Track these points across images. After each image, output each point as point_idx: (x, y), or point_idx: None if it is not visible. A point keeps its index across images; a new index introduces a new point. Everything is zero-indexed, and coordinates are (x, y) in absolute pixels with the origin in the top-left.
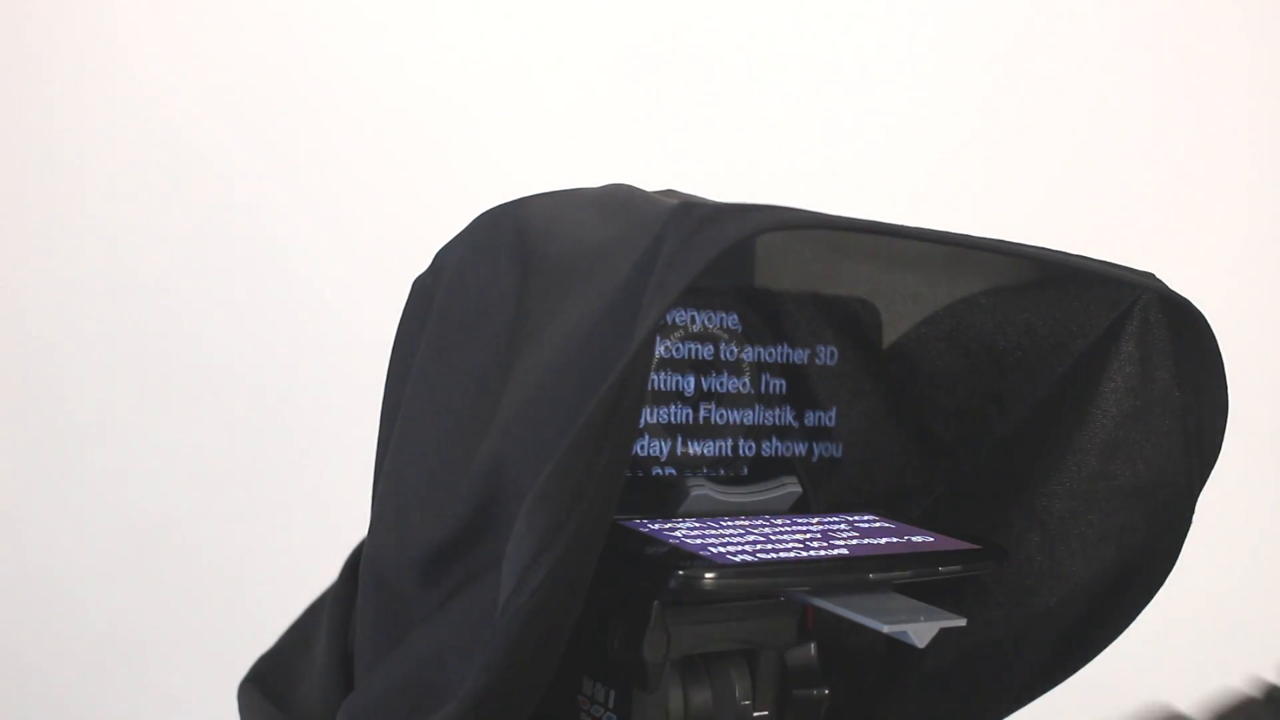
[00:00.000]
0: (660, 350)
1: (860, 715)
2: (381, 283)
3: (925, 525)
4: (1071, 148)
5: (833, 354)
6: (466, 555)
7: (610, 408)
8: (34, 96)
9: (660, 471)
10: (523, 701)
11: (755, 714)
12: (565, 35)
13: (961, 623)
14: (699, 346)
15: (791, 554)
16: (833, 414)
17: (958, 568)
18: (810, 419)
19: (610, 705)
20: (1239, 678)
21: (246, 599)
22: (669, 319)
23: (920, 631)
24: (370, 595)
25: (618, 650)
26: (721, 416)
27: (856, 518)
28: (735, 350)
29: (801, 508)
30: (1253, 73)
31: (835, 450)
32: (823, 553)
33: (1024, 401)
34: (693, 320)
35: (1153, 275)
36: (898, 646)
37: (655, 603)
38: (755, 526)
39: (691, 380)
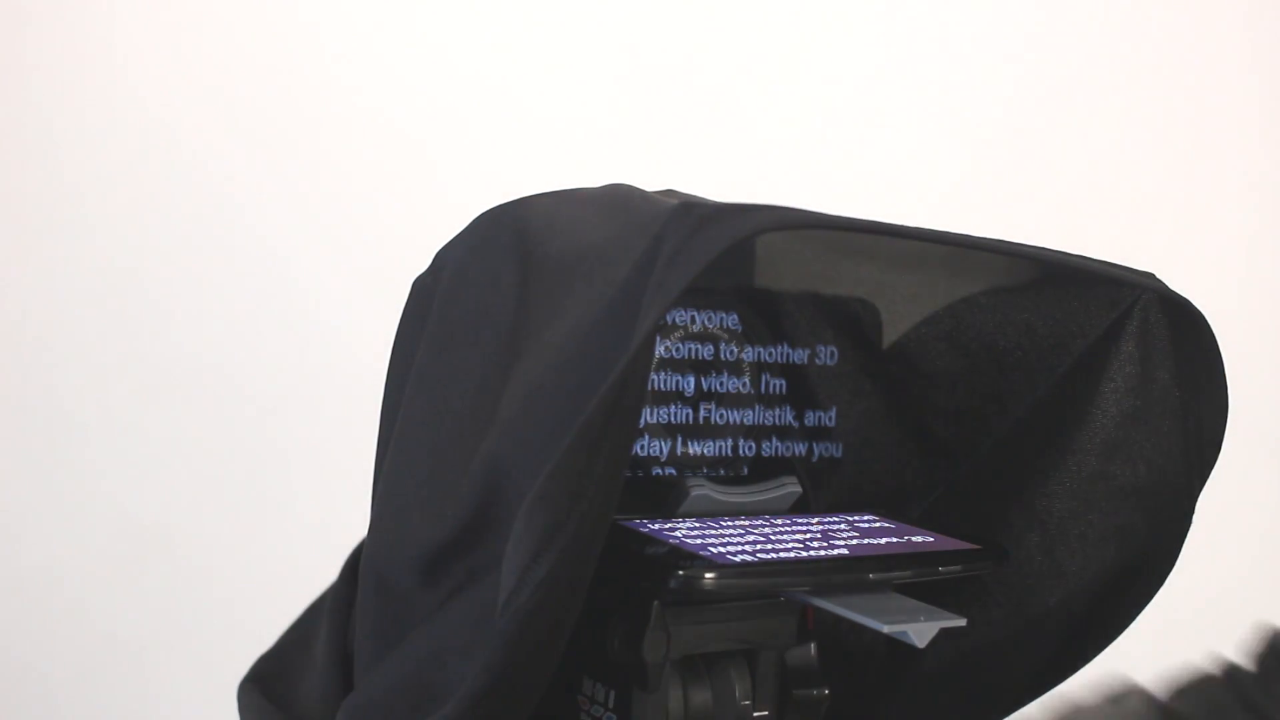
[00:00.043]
0: (660, 350)
1: (860, 715)
2: (381, 283)
3: (925, 525)
4: (1072, 147)
5: (833, 354)
6: (466, 555)
7: (610, 407)
8: (33, 97)
9: (660, 471)
10: (522, 701)
11: (755, 714)
12: (565, 35)
13: (962, 623)
14: (699, 346)
15: (791, 554)
16: (833, 414)
17: (958, 568)
18: (810, 419)
19: (610, 705)
20: (1201, 655)
21: (245, 599)
22: (669, 319)
23: (920, 631)
24: (370, 595)
25: (618, 650)
26: (721, 416)
27: (856, 518)
28: (735, 350)
29: (801, 508)
30: (1254, 72)
31: (835, 450)
32: (823, 553)
33: (1024, 401)
34: (693, 320)
35: (1153, 275)
36: (897, 646)
37: (655, 603)
38: (755, 526)
39: (691, 380)
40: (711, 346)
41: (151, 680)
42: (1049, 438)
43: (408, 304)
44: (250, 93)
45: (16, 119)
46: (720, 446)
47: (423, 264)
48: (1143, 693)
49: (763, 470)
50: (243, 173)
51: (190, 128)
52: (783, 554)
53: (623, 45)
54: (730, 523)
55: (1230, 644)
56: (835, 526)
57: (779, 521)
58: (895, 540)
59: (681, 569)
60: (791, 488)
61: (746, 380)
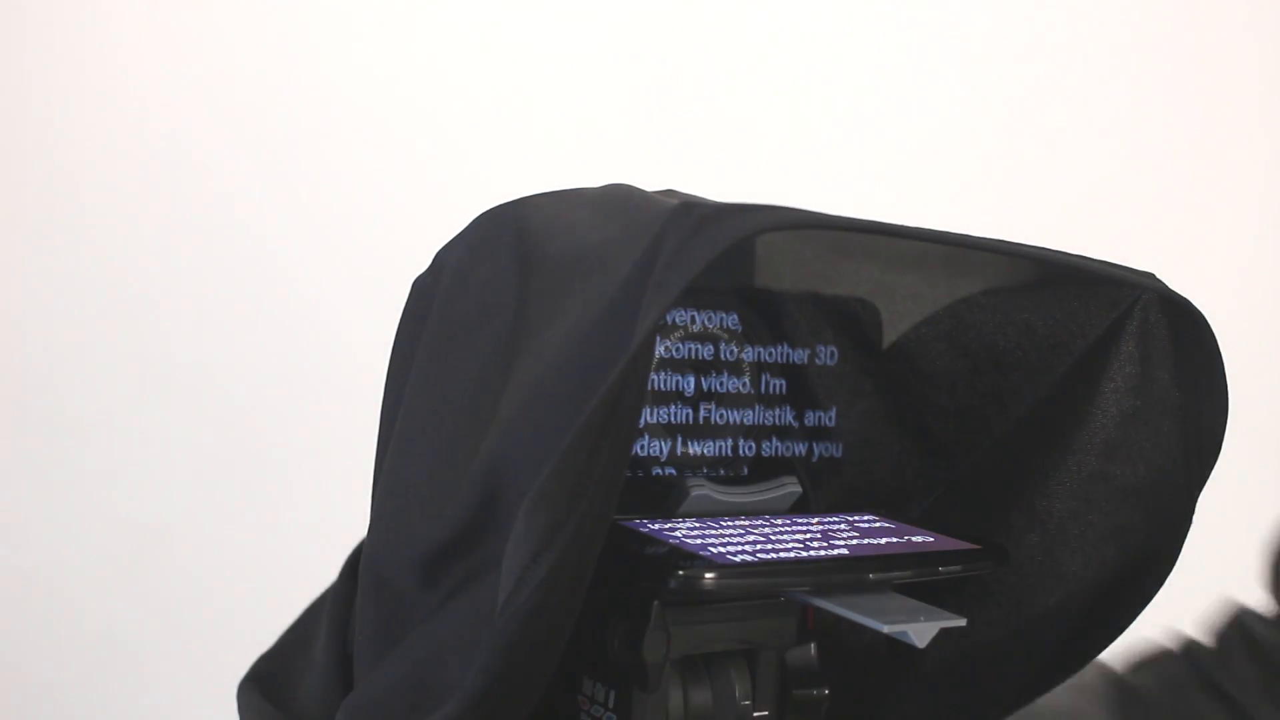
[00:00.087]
0: (660, 350)
1: (860, 715)
2: (380, 283)
3: (925, 525)
4: (1073, 147)
5: (833, 354)
6: (466, 555)
7: (610, 407)
8: (34, 99)
9: (660, 471)
10: (522, 701)
11: (755, 714)
12: (565, 35)
13: (962, 622)
14: (699, 346)
15: (792, 554)
16: (832, 414)
17: (958, 568)
18: (810, 419)
19: (610, 705)
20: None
21: (243, 601)
22: (669, 319)
23: (920, 631)
24: (370, 595)
25: (618, 650)
26: (721, 416)
27: (856, 518)
28: (735, 350)
29: (801, 508)
30: (1257, 72)
31: (835, 450)
32: (823, 553)
33: (1024, 401)
34: (693, 320)
35: (1153, 275)
36: (897, 646)
37: (655, 603)
38: (755, 526)
39: (691, 380)
40: (711, 346)
41: (150, 681)
42: (1049, 438)
43: (407, 304)
44: (250, 94)
45: (17, 121)
46: (720, 446)
47: (422, 264)
48: (1100, 667)
49: (763, 470)
50: (241, 174)
51: (189, 129)
52: (783, 554)
53: (623, 45)
54: (730, 523)
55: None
56: (835, 526)
57: (779, 521)
58: (895, 540)
59: (682, 569)
60: (791, 488)
61: (746, 380)
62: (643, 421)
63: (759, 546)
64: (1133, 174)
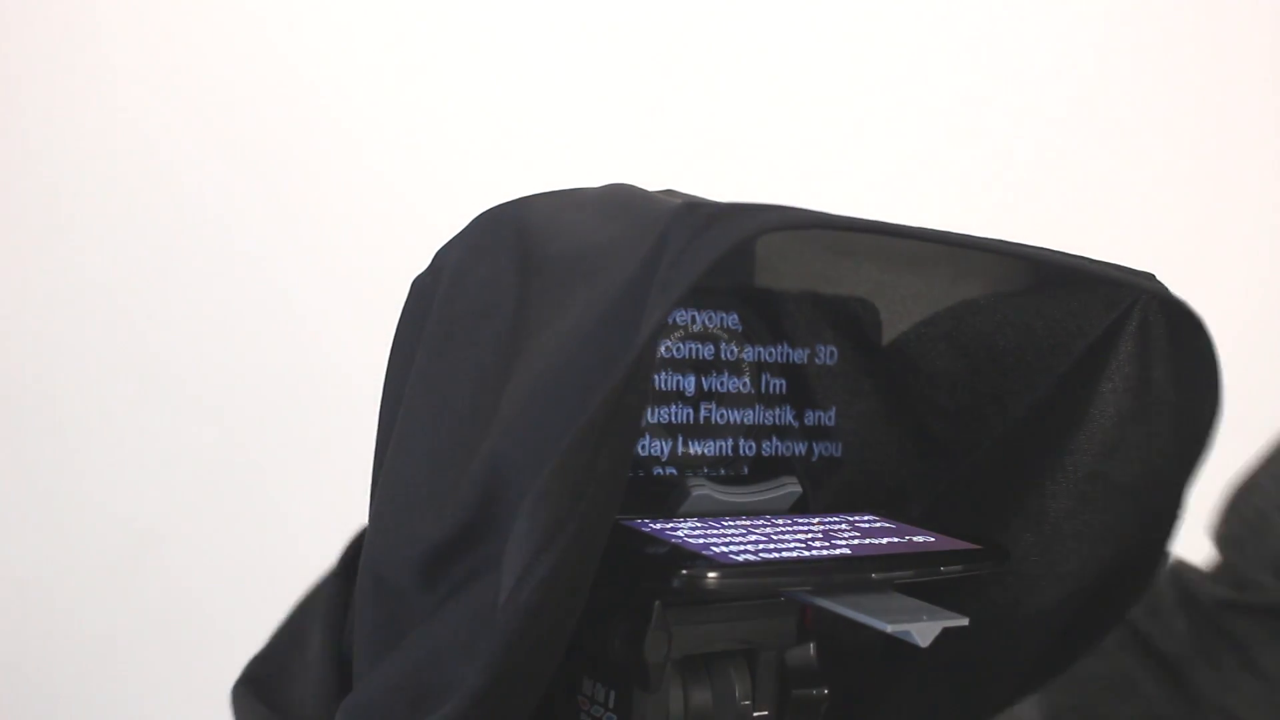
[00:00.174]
0: (661, 350)
1: (855, 714)
2: (380, 283)
3: (923, 525)
4: (1073, 147)
5: (832, 354)
6: (466, 555)
7: (614, 406)
8: (30, 100)
9: (661, 471)
10: (522, 701)
11: (755, 714)
12: (565, 35)
13: (964, 622)
14: (699, 346)
15: (794, 554)
16: (832, 414)
17: (959, 567)
18: (810, 418)
19: (610, 705)
20: None
21: (240, 603)
22: (670, 318)
23: (923, 631)
24: (369, 595)
25: (619, 650)
26: (722, 416)
27: (857, 518)
28: (735, 350)
29: (801, 508)
30: (1259, 72)
31: (835, 450)
32: (825, 552)
33: (1023, 402)
34: (693, 320)
35: (1152, 276)
36: (893, 646)
37: (657, 603)
38: (757, 526)
39: (692, 380)
40: (712, 346)
41: (147, 683)
42: (1047, 438)
43: (406, 304)
44: (248, 93)
45: (12, 122)
46: (721, 446)
47: (422, 264)
48: None
49: (763, 470)
50: (239, 173)
51: (186, 129)
52: (785, 554)
53: (623, 44)
54: (731, 523)
55: None
56: (836, 526)
57: (780, 521)
58: (896, 540)
59: (685, 569)
60: (792, 488)
61: (747, 380)
62: (643, 421)
63: (761, 546)
64: (1134, 174)
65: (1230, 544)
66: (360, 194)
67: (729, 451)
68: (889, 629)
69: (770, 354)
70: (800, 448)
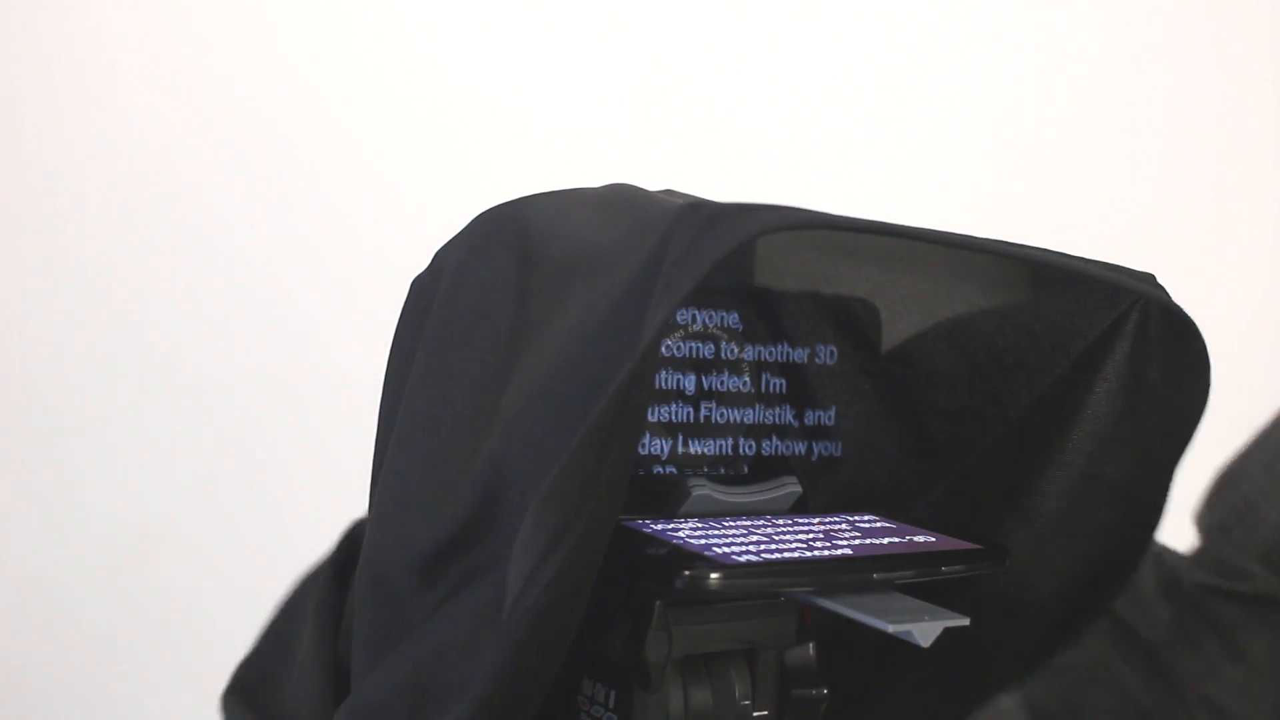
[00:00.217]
0: (661, 349)
1: (855, 713)
2: (379, 283)
3: (921, 524)
4: (1074, 147)
5: (832, 353)
6: (466, 554)
7: (619, 407)
8: (29, 100)
9: (661, 470)
10: (527, 702)
11: (755, 714)
12: (565, 34)
13: (965, 622)
14: (699, 345)
15: (795, 554)
16: (832, 413)
17: (960, 567)
18: (810, 418)
19: (610, 705)
20: None
21: (239, 603)
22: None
23: (925, 631)
24: (367, 595)
25: (619, 650)
26: (722, 415)
27: (858, 518)
28: (735, 349)
29: (800, 507)
30: (1260, 72)
31: (834, 449)
32: (826, 553)
33: (1022, 402)
34: (693, 319)
35: (1152, 278)
36: (890, 645)
37: (658, 603)
38: (758, 527)
39: (692, 379)
40: (712, 345)
41: (147, 683)
42: (1044, 437)
43: (406, 304)
44: (248, 93)
45: (11, 123)
46: (721, 445)
47: (421, 264)
48: None
49: (763, 469)
50: (238, 173)
51: (183, 129)
52: (786, 554)
53: (623, 45)
54: (732, 523)
55: None
56: (837, 526)
57: (781, 522)
58: (897, 540)
59: (687, 570)
60: (792, 488)
61: (747, 379)
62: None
63: (762, 547)
64: (1134, 174)
65: (1217, 531)
66: (360, 194)
67: (729, 450)
68: (891, 629)
69: (770, 353)
70: (800, 447)
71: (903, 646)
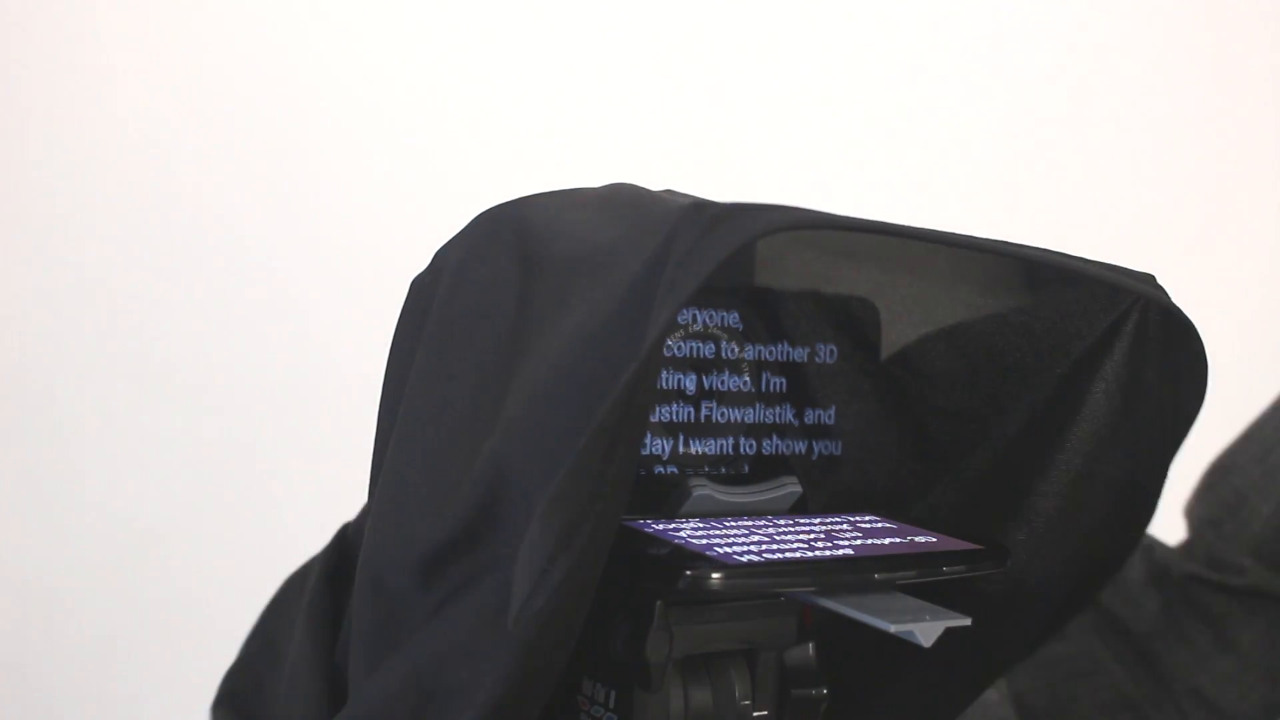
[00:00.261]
0: (662, 349)
1: (854, 712)
2: (379, 283)
3: (920, 523)
4: (1073, 147)
5: (832, 352)
6: (466, 555)
7: (624, 407)
8: (29, 101)
9: (662, 470)
10: (533, 705)
11: (755, 714)
12: (565, 34)
13: (966, 622)
14: (700, 345)
15: (797, 554)
16: (832, 412)
17: (961, 568)
18: (810, 417)
19: (611, 705)
20: None
21: (239, 603)
22: None
23: (926, 631)
24: (366, 597)
25: (620, 650)
26: (723, 415)
27: (859, 518)
28: (736, 349)
29: (801, 507)
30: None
31: (834, 448)
32: (827, 553)
33: (1021, 403)
34: (694, 318)
35: (1152, 278)
36: (889, 644)
37: (659, 603)
38: (759, 527)
39: (693, 379)
40: (713, 345)
41: (147, 683)
42: (1042, 437)
43: (406, 304)
44: (248, 92)
45: (11, 122)
46: (721, 445)
47: (421, 264)
48: None
49: (763, 468)
50: (238, 173)
51: (186, 129)
52: (788, 554)
53: (624, 44)
54: (733, 523)
55: None
56: (838, 527)
57: (782, 522)
58: (898, 540)
59: (689, 570)
60: (792, 488)
61: (747, 379)
62: None
63: (764, 547)
64: (1134, 174)
65: (1207, 524)
66: (360, 194)
67: (729, 450)
68: (892, 629)
69: (770, 353)
70: (800, 446)
71: (903, 646)
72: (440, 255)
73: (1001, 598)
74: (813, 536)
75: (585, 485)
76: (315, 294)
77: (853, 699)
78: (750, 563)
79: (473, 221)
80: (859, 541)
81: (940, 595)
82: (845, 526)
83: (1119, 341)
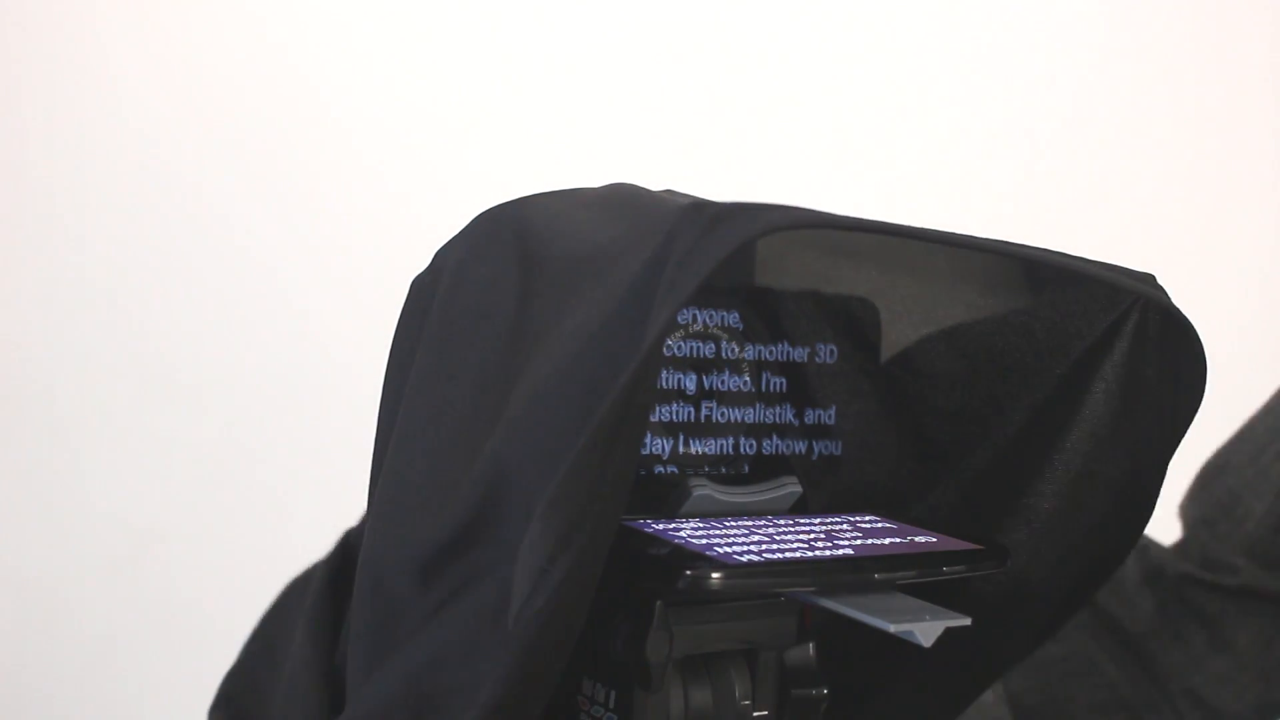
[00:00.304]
0: (662, 349)
1: (854, 712)
2: (379, 283)
3: (920, 523)
4: (1072, 147)
5: (832, 352)
6: (466, 556)
7: (624, 407)
8: (30, 101)
9: (662, 470)
10: (533, 706)
11: (755, 714)
12: (565, 34)
13: (966, 621)
14: (700, 345)
15: (797, 554)
16: (832, 412)
17: (962, 568)
18: (810, 417)
19: (611, 705)
20: None
21: (239, 603)
22: None
23: (926, 631)
24: (366, 598)
25: (620, 650)
26: (723, 415)
27: (859, 518)
28: (736, 349)
29: (801, 507)
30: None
31: (835, 448)
32: (827, 553)
33: (1021, 403)
34: (694, 318)
35: (1152, 278)
36: (889, 644)
37: (659, 603)
38: (759, 527)
39: (693, 378)
40: (713, 345)
41: (147, 683)
42: (1042, 437)
43: (406, 303)
44: (247, 93)
45: (11, 123)
46: (722, 445)
47: (421, 264)
48: None
49: (763, 468)
50: (239, 173)
51: (186, 129)
52: (788, 554)
53: (623, 45)
54: (734, 523)
55: None
56: (838, 527)
57: (782, 522)
58: (899, 540)
59: (689, 570)
60: (792, 488)
61: (747, 378)
62: None
63: (764, 547)
64: (1133, 174)
65: (1201, 524)
66: (361, 194)
67: (730, 450)
68: (892, 629)
69: (771, 352)
70: (800, 446)
71: (902, 646)
72: (440, 255)
73: (1001, 598)
74: (813, 536)
75: (585, 485)
76: (315, 294)
77: (853, 699)
78: (750, 563)
79: (473, 221)
80: (859, 541)
81: (940, 595)
82: (845, 526)
83: (1119, 341)
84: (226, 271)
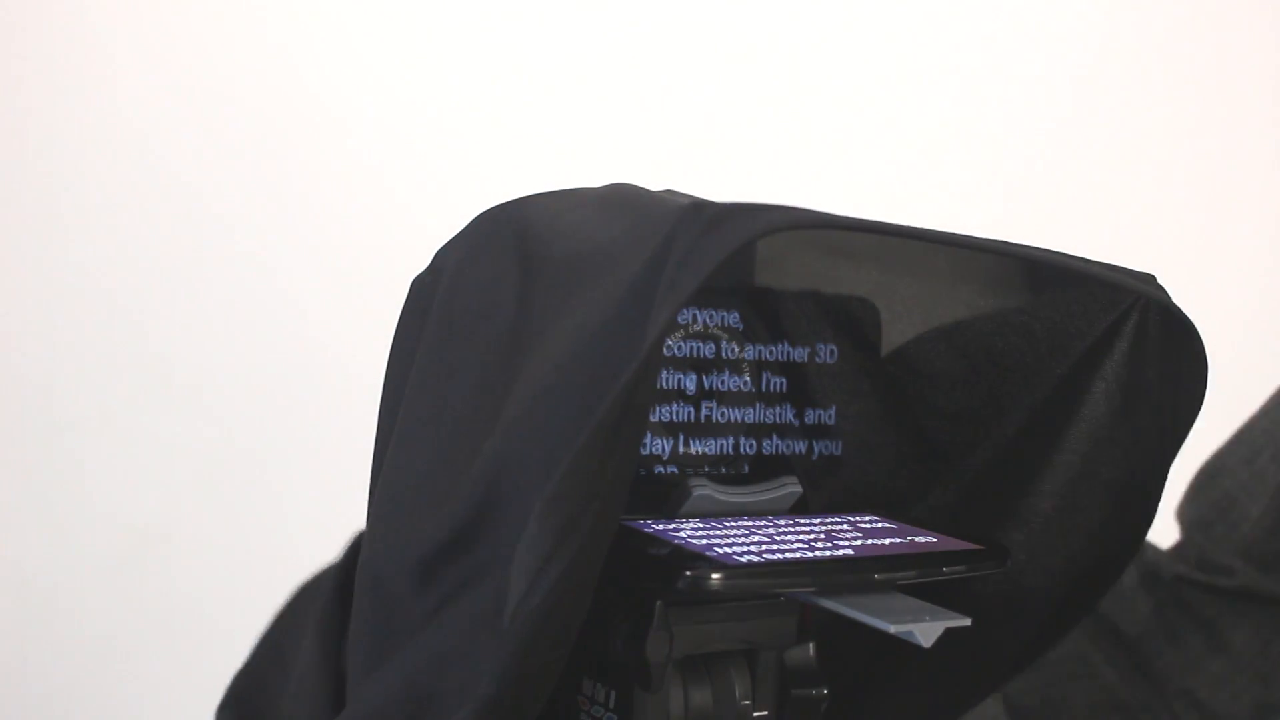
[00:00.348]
0: (662, 349)
1: (854, 712)
2: (380, 283)
3: (920, 524)
4: (1072, 147)
5: (832, 352)
6: (465, 556)
7: (623, 407)
8: (30, 101)
9: (662, 470)
10: (531, 706)
11: (755, 714)
12: (565, 34)
13: (966, 622)
14: (700, 345)
15: (797, 554)
16: (832, 412)
17: (962, 568)
18: (810, 417)
19: (610, 705)
20: None
21: (240, 603)
22: None
23: (926, 631)
24: (366, 598)
25: (620, 650)
26: (723, 415)
27: (859, 518)
28: (736, 349)
29: (800, 508)
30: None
31: (835, 448)
32: (827, 553)
33: (1021, 403)
34: (694, 318)
35: (1153, 278)
36: (889, 644)
37: (659, 603)
38: (759, 527)
39: (693, 378)
40: (713, 345)
41: (148, 683)
42: (1041, 437)
43: (406, 304)
44: (248, 93)
45: (11, 123)
46: (722, 445)
47: (421, 264)
48: None
49: (763, 468)
50: (238, 174)
51: (186, 129)
52: (788, 555)
53: (623, 44)
54: (734, 523)
55: None
56: (838, 527)
57: (782, 522)
58: (899, 541)
59: (689, 570)
60: (792, 488)
61: (747, 378)
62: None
63: (764, 547)
64: (1133, 174)
65: (1198, 526)
66: (361, 194)
67: (730, 450)
68: (892, 629)
69: (771, 352)
70: (800, 446)
71: (902, 646)
72: (440, 255)
73: (1001, 598)
74: (813, 537)
75: (584, 484)
76: (315, 294)
77: (853, 699)
78: (750, 563)
79: (473, 221)
80: (859, 542)
81: (940, 595)
82: (845, 527)
83: (1119, 341)
84: (227, 271)
